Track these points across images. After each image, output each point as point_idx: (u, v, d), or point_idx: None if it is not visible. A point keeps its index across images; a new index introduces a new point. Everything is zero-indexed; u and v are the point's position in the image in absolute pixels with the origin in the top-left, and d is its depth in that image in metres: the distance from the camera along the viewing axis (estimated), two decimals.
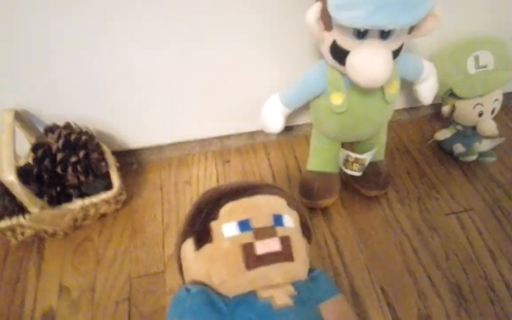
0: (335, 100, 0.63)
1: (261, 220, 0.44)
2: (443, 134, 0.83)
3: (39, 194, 0.66)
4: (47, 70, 0.66)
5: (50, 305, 0.65)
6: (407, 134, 0.93)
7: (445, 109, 0.80)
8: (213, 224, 0.44)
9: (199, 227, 0.46)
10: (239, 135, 0.89)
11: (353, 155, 0.70)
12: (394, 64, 0.56)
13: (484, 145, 0.83)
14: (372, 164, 0.74)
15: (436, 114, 0.98)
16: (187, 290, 0.43)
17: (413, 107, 0.94)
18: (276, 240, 0.43)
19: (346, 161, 0.71)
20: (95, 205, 0.71)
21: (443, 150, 0.88)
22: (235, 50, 0.72)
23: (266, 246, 0.42)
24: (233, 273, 0.41)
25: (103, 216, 0.76)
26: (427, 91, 0.72)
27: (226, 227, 0.43)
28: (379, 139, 0.74)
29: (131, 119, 0.78)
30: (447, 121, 0.85)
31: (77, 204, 0.68)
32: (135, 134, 0.81)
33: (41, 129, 0.73)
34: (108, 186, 0.73)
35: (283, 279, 0.42)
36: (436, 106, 0.96)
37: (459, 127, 0.82)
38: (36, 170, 0.67)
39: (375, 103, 0.64)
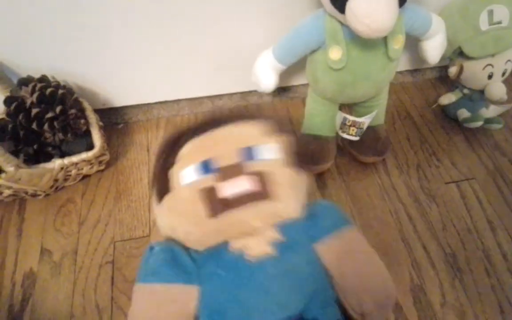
0: (333, 55, 0.57)
1: (225, 157, 0.37)
2: (448, 98, 0.78)
3: (16, 152, 0.63)
4: (23, 17, 0.61)
5: (31, 267, 0.63)
6: (409, 97, 0.88)
7: (452, 70, 0.74)
8: (171, 172, 0.38)
9: (158, 177, 0.40)
10: (231, 95, 0.84)
11: (351, 118, 0.65)
12: (400, 13, 0.50)
13: (491, 111, 0.78)
14: (371, 128, 0.69)
15: (441, 78, 0.92)
16: (151, 248, 0.39)
17: (417, 69, 0.89)
18: (244, 178, 0.35)
19: (343, 125, 0.66)
20: (75, 165, 0.67)
21: (446, 116, 0.84)
22: (226, 3, 0.66)
23: (232, 186, 0.35)
24: (196, 223, 0.35)
25: (86, 177, 0.73)
26: (434, 49, 0.67)
27: (183, 173, 0.37)
28: (379, 101, 0.69)
29: (117, 75, 0.73)
30: (453, 84, 0.80)
31: (55, 163, 0.64)
32: (121, 92, 0.76)
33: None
34: (90, 146, 0.69)
35: (263, 222, 0.35)
36: (441, 69, 0.91)
37: (465, 91, 0.77)
38: (11, 126, 0.63)
39: (377, 59, 0.59)
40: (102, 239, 0.66)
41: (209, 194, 0.35)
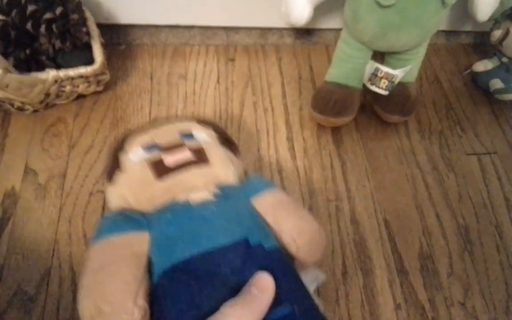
0: None
1: (168, 139, 0.43)
2: (483, 65, 0.73)
3: (4, 56, 0.55)
4: None
5: (13, 186, 0.57)
6: (439, 61, 0.82)
7: (496, 33, 0.68)
8: (121, 156, 0.43)
9: (110, 161, 0.45)
10: (249, 30, 0.76)
11: (384, 69, 0.59)
12: None
13: None
14: (401, 84, 0.64)
15: (476, 45, 0.87)
16: (105, 215, 0.45)
17: (453, 31, 0.82)
18: (186, 149, 0.41)
19: (374, 76, 0.60)
20: (71, 80, 0.59)
21: (477, 85, 0.79)
22: None
23: (175, 156, 0.40)
24: (145, 186, 0.39)
25: (81, 97, 0.65)
26: (486, 4, 0.60)
27: (132, 153, 0.42)
28: (417, 55, 0.63)
29: None
30: (487, 52, 0.75)
31: (49, 74, 0.57)
32: (127, 7, 0.68)
33: None
34: (89, 61, 0.61)
35: (202, 182, 0.40)
36: (477, 36, 0.86)
37: (504, 60, 0.72)
38: (0, 24, 0.54)
39: (430, 1, 0.52)
40: (95, 166, 0.60)
41: (156, 163, 0.40)
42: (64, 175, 0.59)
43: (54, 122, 0.63)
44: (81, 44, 0.60)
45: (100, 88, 0.65)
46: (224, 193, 0.39)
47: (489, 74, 0.74)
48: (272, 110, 0.69)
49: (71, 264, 0.53)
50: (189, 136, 0.44)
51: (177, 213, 0.35)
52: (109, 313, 0.28)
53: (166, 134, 0.44)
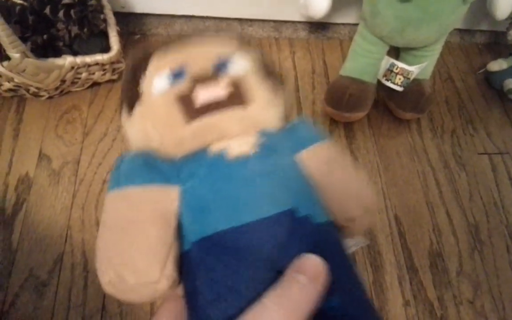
0: None
1: (200, 66, 0.33)
2: (498, 65, 0.73)
3: (22, 40, 0.55)
4: None
5: (27, 171, 0.57)
6: (453, 59, 0.82)
7: None
8: (142, 81, 0.33)
9: (128, 88, 0.38)
10: (264, 22, 0.76)
11: (400, 64, 0.59)
12: None
13: None
14: (416, 81, 0.63)
15: (490, 45, 0.87)
16: (122, 157, 0.34)
17: (468, 30, 0.82)
18: (220, 85, 0.32)
19: (389, 71, 0.60)
20: (87, 67, 0.60)
21: (490, 85, 0.79)
22: None
23: (207, 92, 0.31)
24: (171, 129, 0.31)
25: (95, 85, 0.65)
26: (506, 1, 0.60)
27: (155, 81, 0.32)
28: (433, 51, 0.63)
29: None
30: (507, 49, 0.75)
31: (66, 60, 0.57)
32: None
33: None
34: (105, 49, 0.61)
35: (240, 128, 0.32)
36: (492, 35, 0.85)
37: None
38: (19, 8, 0.54)
39: None
40: (108, 154, 0.60)
41: (184, 100, 0.31)
42: (78, 162, 0.59)
43: (68, 109, 0.63)
44: (98, 31, 0.60)
45: (114, 77, 0.65)
46: (267, 145, 0.32)
47: (504, 73, 0.74)
48: None
49: (84, 250, 0.53)
50: (223, 62, 0.41)
51: (212, 169, 0.29)
52: (131, 280, 0.26)
53: (196, 57, 0.34)
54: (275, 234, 0.27)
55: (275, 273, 0.25)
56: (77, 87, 0.63)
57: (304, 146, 0.33)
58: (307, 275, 0.21)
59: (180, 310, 0.26)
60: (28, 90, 0.60)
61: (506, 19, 0.66)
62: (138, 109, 0.33)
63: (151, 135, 0.32)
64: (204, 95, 0.31)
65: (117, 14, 0.65)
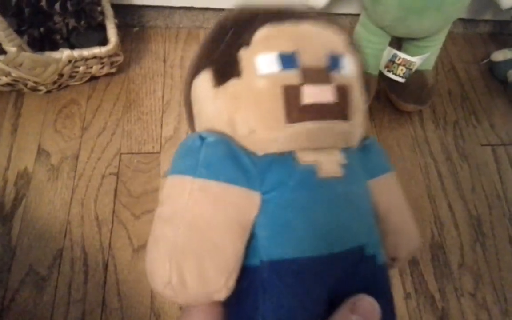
0: None
1: (312, 57, 0.29)
2: (502, 55, 0.72)
3: (18, 34, 0.54)
4: None
5: (26, 167, 0.57)
6: (456, 50, 0.81)
7: None
8: (243, 52, 0.29)
9: (221, 54, 0.33)
10: None
11: (402, 55, 0.58)
12: None
13: None
14: (418, 72, 0.63)
15: (494, 35, 0.85)
16: (202, 138, 0.30)
17: (472, 19, 0.81)
18: (330, 89, 0.28)
19: (391, 62, 0.59)
20: (85, 61, 0.59)
21: (493, 75, 0.78)
22: None
23: (317, 93, 0.28)
24: (268, 123, 0.28)
25: (94, 79, 0.65)
26: None
27: (261, 59, 0.28)
28: (435, 42, 0.62)
29: None
30: (511, 38, 0.73)
31: (63, 53, 0.56)
32: None
33: None
34: (103, 42, 0.60)
35: (333, 142, 0.29)
36: (496, 25, 0.84)
37: None
38: (15, 0, 0.54)
39: None
40: (108, 148, 0.60)
41: (292, 95, 0.27)
42: (76, 157, 0.58)
43: (67, 103, 0.63)
44: (95, 24, 0.59)
45: (113, 70, 0.64)
46: (350, 167, 0.29)
47: (508, 64, 0.73)
48: None
49: (83, 245, 0.53)
50: (337, 60, 0.37)
51: (302, 184, 0.27)
52: (193, 286, 0.24)
53: (311, 47, 0.30)
54: (345, 268, 0.25)
55: (329, 306, 0.24)
56: (75, 81, 0.63)
57: (375, 174, 0.32)
58: (362, 317, 0.21)
59: (216, 316, 0.24)
60: (26, 85, 0.59)
61: (511, 8, 0.65)
62: (233, 85, 0.29)
63: (239, 125, 0.28)
64: (313, 94, 0.28)
65: (115, 6, 0.64)
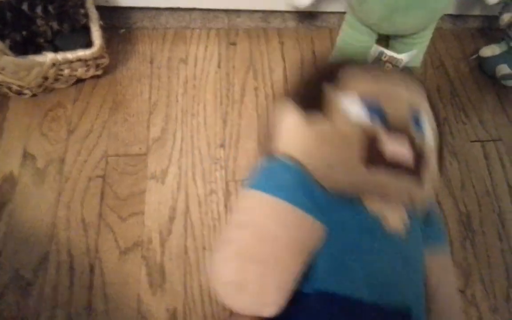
0: None
1: (397, 110, 0.32)
2: (491, 50, 0.71)
3: (0, 38, 0.54)
4: None
5: (11, 171, 0.56)
6: (445, 46, 0.81)
7: (505, 17, 0.66)
8: (330, 90, 0.32)
9: (310, 88, 0.34)
10: (251, 13, 0.74)
11: (389, 53, 0.58)
12: None
13: None
14: (406, 69, 0.61)
15: (483, 30, 0.85)
16: (285, 164, 0.31)
17: (460, 15, 0.81)
18: (408, 144, 0.31)
19: (378, 60, 0.59)
20: (69, 64, 0.58)
21: (482, 71, 0.77)
22: None
23: (396, 145, 0.30)
24: (346, 165, 0.30)
25: (79, 81, 0.64)
26: None
27: (348, 100, 0.31)
28: (422, 39, 0.62)
29: None
30: (499, 34, 0.73)
31: (47, 57, 0.56)
32: None
33: None
34: (88, 44, 0.60)
35: (403, 200, 0.31)
36: (485, 20, 0.83)
37: None
38: None
39: None
40: (94, 151, 0.59)
41: (372, 141, 0.30)
42: (63, 160, 0.58)
43: (52, 107, 0.62)
44: (79, 27, 0.59)
45: (99, 72, 0.64)
46: (412, 228, 0.31)
47: (497, 59, 0.72)
48: (274, 95, 0.68)
49: (69, 248, 0.53)
50: (418, 115, 0.33)
51: (366, 229, 0.28)
52: (252, 292, 0.24)
53: (396, 100, 0.33)
54: None
55: None
56: (61, 84, 0.62)
57: (431, 244, 0.35)
58: None
59: None
60: (10, 88, 0.59)
61: (499, 3, 0.64)
62: (320, 124, 0.32)
63: (318, 161, 0.31)
64: (396, 150, 0.30)
65: (101, 8, 0.64)
